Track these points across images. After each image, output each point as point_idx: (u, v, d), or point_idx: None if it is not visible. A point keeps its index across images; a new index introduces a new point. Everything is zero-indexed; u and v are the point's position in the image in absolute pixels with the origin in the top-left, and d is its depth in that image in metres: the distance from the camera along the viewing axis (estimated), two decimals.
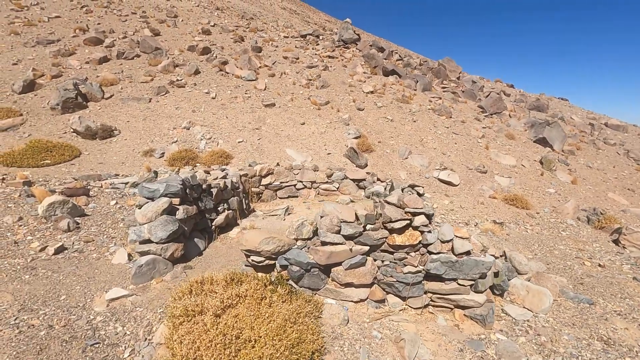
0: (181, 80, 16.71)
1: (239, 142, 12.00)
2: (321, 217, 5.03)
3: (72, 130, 11.28)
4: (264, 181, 8.80)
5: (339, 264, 4.89)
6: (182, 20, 27.74)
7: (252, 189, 8.59)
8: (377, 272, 5.09)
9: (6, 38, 18.08)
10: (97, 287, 4.95)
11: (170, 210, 5.71)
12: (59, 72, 15.31)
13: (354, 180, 9.19)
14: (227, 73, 19.12)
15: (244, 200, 7.90)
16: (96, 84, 14.05)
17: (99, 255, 5.73)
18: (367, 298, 5.10)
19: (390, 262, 5.04)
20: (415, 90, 23.26)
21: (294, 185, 9.02)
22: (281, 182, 8.89)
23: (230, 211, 7.26)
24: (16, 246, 5.52)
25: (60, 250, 5.63)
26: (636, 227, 9.09)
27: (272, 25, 37.00)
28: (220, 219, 6.97)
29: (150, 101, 14.19)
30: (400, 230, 4.89)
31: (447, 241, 4.93)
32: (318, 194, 9.02)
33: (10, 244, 5.53)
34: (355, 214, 4.94)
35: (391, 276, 5.02)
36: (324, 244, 4.88)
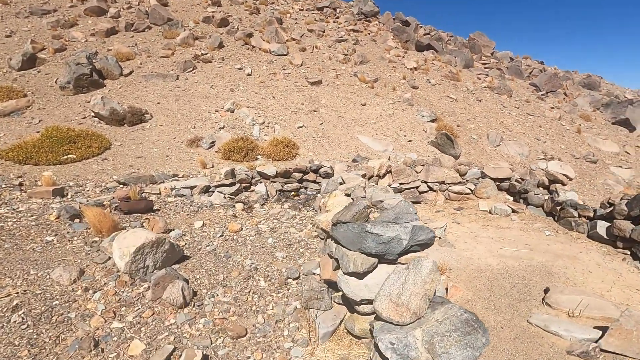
0: (206, 54, 14.29)
1: (298, 127, 9.79)
2: None
3: (93, 114, 8.95)
4: (382, 182, 6.62)
5: None
6: None
7: None
8: None
9: None
10: None
11: None
12: (63, 45, 12.76)
13: (494, 179, 7.03)
14: (254, 47, 16.68)
15: None
16: (112, 57, 11.57)
17: None
18: None
19: None
20: (456, 66, 21.08)
21: (417, 188, 6.83)
22: (400, 184, 6.69)
23: None
24: (95, 356, 2.49)
25: None
26: None
27: None
28: None
29: (178, 78, 11.81)
30: None
31: None
32: (447, 198, 6.89)
33: (86, 346, 2.50)
34: None
35: None
36: None
